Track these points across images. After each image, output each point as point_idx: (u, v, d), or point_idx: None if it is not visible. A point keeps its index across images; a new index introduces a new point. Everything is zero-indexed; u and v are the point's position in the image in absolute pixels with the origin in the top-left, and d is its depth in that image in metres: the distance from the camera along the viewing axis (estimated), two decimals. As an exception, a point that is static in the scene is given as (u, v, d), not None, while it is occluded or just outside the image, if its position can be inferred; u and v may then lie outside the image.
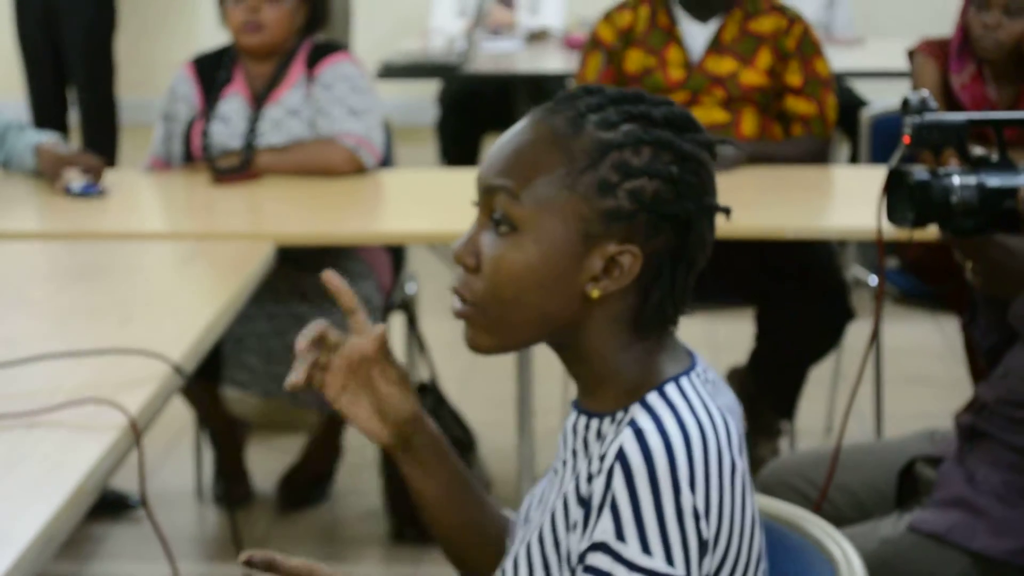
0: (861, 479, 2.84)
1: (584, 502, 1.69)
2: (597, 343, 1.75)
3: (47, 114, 7.13)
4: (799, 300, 4.34)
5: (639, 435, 1.66)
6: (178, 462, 4.73)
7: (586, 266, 1.71)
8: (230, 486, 4.54)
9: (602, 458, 1.68)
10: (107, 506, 4.30)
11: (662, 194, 1.70)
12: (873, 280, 4.53)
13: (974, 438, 2.64)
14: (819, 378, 4.72)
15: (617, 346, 1.75)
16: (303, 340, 1.91)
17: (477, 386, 5.25)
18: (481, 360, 5.62)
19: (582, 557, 1.67)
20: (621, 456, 1.65)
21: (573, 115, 1.72)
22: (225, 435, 4.53)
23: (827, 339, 4.44)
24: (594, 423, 1.77)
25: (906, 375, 5.31)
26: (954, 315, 4.64)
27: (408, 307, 4.65)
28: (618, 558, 1.63)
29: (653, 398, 1.71)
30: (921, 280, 4.54)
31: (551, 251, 1.70)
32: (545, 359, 4.10)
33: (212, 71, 4.51)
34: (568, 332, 1.75)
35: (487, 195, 1.75)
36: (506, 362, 4.18)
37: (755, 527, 1.74)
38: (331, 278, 1.94)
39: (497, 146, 1.77)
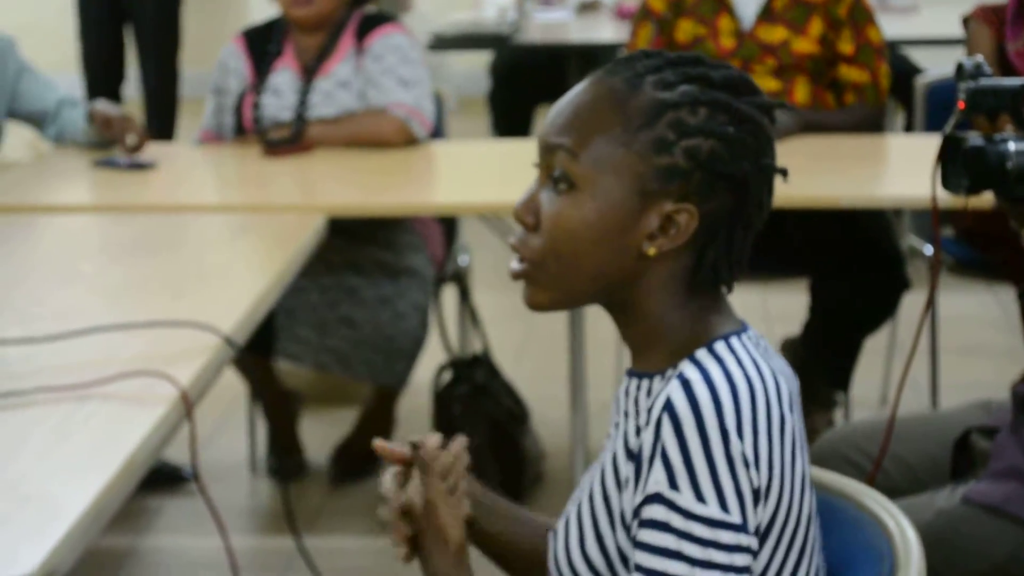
0: (915, 450, 2.83)
1: (633, 456, 1.71)
2: (651, 302, 1.76)
3: (103, 86, 7.16)
4: (853, 270, 4.32)
5: (686, 385, 1.67)
6: (231, 435, 4.75)
7: (643, 224, 1.72)
8: (283, 459, 4.56)
9: (649, 411, 1.69)
10: (161, 479, 4.32)
11: (718, 153, 1.71)
12: (928, 249, 4.51)
13: (1031, 408, 2.63)
14: (874, 348, 4.70)
15: (671, 305, 1.76)
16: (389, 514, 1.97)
17: (530, 359, 5.25)
18: (534, 333, 5.63)
19: (637, 512, 1.68)
20: (668, 406, 1.66)
21: (631, 76, 1.74)
22: (278, 408, 4.55)
23: (882, 310, 4.42)
24: (644, 383, 1.78)
25: (962, 345, 5.29)
26: (1010, 284, 4.61)
27: (461, 279, 4.66)
28: (673, 507, 1.65)
29: (702, 354, 1.72)
30: (977, 249, 4.51)
31: (609, 208, 1.72)
32: (598, 332, 4.11)
33: (262, 44, 4.52)
34: (623, 290, 1.77)
35: (547, 153, 1.77)
36: (559, 335, 4.19)
37: (805, 485, 1.74)
38: (383, 448, 2.01)
39: (557, 106, 1.79)
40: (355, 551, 4.09)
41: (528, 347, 5.38)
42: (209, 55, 8.57)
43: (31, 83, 4.44)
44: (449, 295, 4.70)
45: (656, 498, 1.65)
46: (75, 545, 2.00)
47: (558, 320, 4.37)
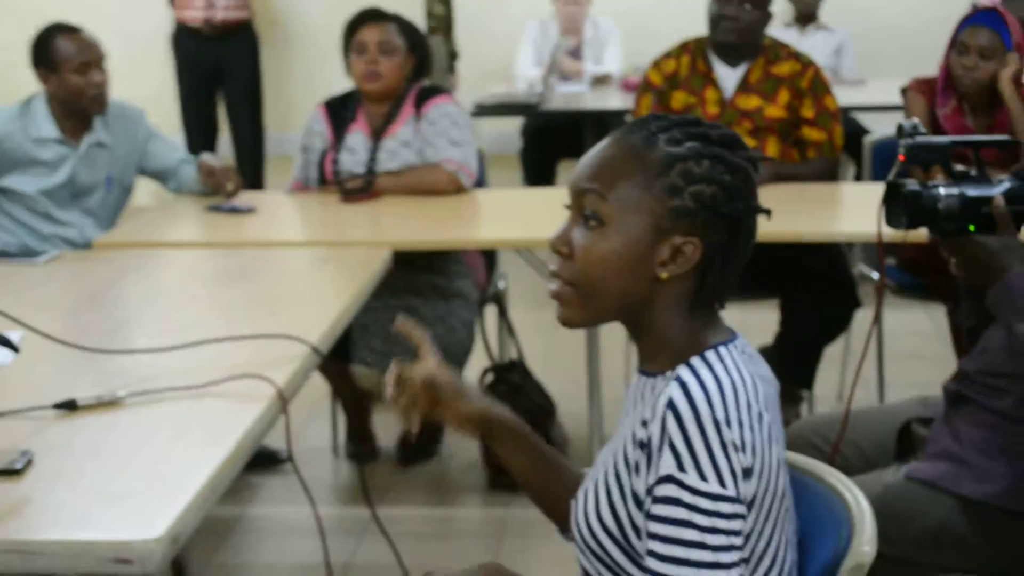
0: (866, 437, 2.82)
1: (642, 445, 1.71)
2: (660, 317, 1.77)
3: (200, 144, 7.26)
4: (816, 292, 4.32)
5: (683, 386, 1.69)
6: (318, 425, 4.75)
7: (657, 253, 1.74)
8: (359, 445, 4.56)
9: (654, 407, 1.70)
10: (261, 461, 4.33)
11: (718, 197, 1.73)
12: (875, 275, 4.50)
13: (958, 402, 2.61)
14: (832, 355, 4.68)
15: (676, 319, 1.77)
16: (390, 390, 2.16)
17: (556, 363, 5.23)
18: (559, 343, 5.63)
19: (650, 490, 1.69)
20: (671, 404, 1.67)
21: (647, 134, 1.76)
22: (354, 404, 4.54)
23: (838, 324, 4.41)
24: (649, 381, 1.80)
25: (902, 352, 5.25)
26: (941, 303, 4.59)
27: (499, 300, 4.65)
28: (682, 485, 1.65)
29: (696, 360, 1.74)
30: (914, 275, 4.50)
31: (631, 240, 1.73)
32: (610, 342, 4.11)
33: (340, 111, 4.53)
34: (640, 307, 1.77)
35: (579, 197, 1.78)
36: (579, 344, 4.18)
37: (780, 468, 1.75)
38: (406, 324, 2.18)
39: (586, 158, 1.80)
40: (417, 519, 4.08)
41: (554, 354, 5.36)
42: (286, 121, 8.69)
43: (157, 146, 4.46)
44: (490, 313, 4.70)
45: (667, 479, 1.66)
46: (196, 514, 2.01)
47: (578, 333, 4.36)
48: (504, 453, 2.07)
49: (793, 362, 4.45)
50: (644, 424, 1.71)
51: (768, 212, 1.80)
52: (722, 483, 1.65)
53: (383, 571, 3.58)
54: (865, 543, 1.80)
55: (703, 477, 1.65)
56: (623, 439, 1.79)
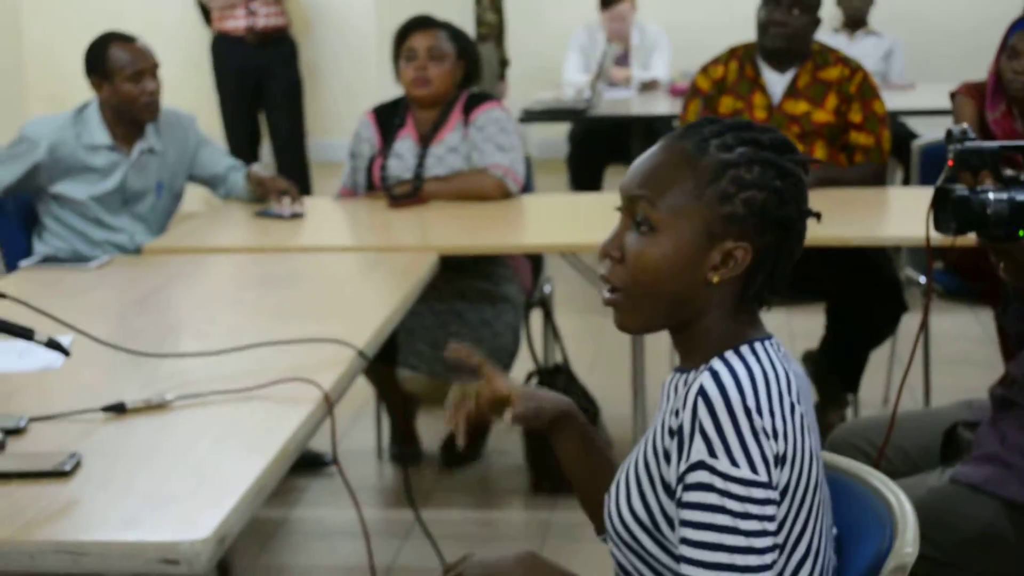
0: (912, 440, 2.80)
1: (673, 433, 1.71)
2: (707, 318, 1.77)
3: (243, 152, 7.33)
4: (862, 296, 4.30)
5: (714, 375, 1.69)
6: (362, 428, 4.76)
7: (708, 258, 1.74)
8: (403, 448, 4.57)
9: (687, 396, 1.70)
10: (307, 463, 4.35)
11: (769, 202, 1.73)
12: (922, 279, 4.47)
13: (1005, 406, 2.60)
14: (878, 360, 4.67)
15: (720, 320, 1.77)
16: (450, 410, 2.18)
17: (601, 368, 5.24)
18: (603, 347, 5.62)
19: (682, 478, 1.69)
20: (701, 391, 1.67)
21: (699, 140, 1.75)
22: (399, 407, 4.55)
23: (885, 328, 4.39)
24: (683, 376, 1.80)
25: (949, 357, 5.23)
26: (989, 307, 4.57)
27: (545, 304, 4.66)
28: (713, 471, 1.65)
29: (729, 353, 1.74)
30: (962, 279, 4.47)
31: (682, 246, 1.73)
32: (654, 346, 4.11)
33: (388, 118, 4.55)
34: (691, 312, 1.77)
35: (630, 203, 1.78)
36: (623, 349, 4.18)
37: (814, 459, 1.74)
38: (459, 349, 2.15)
39: (638, 163, 1.80)
40: (461, 521, 4.09)
41: (598, 359, 5.37)
42: (323, 127, 8.74)
43: (207, 152, 4.49)
44: (536, 317, 4.70)
45: (699, 465, 1.66)
46: (242, 515, 2.02)
47: (623, 338, 4.36)
48: (560, 442, 2.09)
49: (839, 366, 4.44)
50: (676, 414, 1.71)
51: (818, 216, 1.80)
52: (754, 469, 1.65)
53: (427, 573, 3.60)
54: (908, 544, 1.79)
55: (734, 463, 1.64)
56: (654, 430, 1.80)
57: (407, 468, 4.44)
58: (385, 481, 4.47)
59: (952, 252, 4.19)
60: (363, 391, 4.59)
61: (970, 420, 2.76)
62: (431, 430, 4.68)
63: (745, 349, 1.74)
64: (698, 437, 1.66)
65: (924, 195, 2.65)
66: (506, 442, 4.60)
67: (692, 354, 1.80)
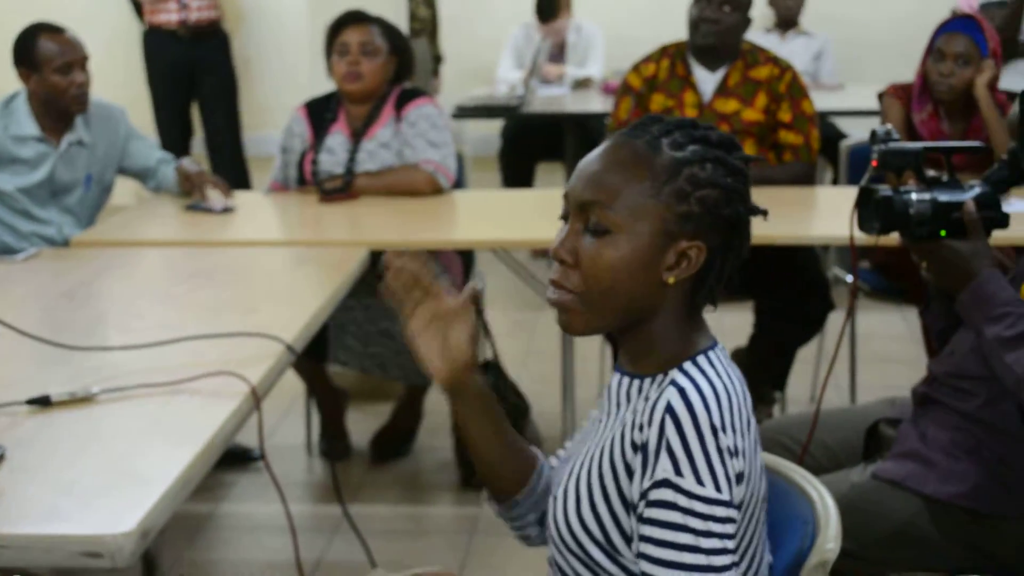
0: (836, 437, 2.83)
1: (638, 448, 1.70)
2: (659, 321, 1.76)
3: (175, 146, 7.30)
4: (790, 294, 4.33)
5: (681, 392, 1.68)
6: (291, 423, 4.75)
7: (664, 259, 1.73)
8: (332, 443, 4.56)
9: (652, 412, 1.68)
10: (235, 458, 4.34)
11: (721, 200, 1.73)
12: (849, 278, 4.52)
13: (926, 404, 2.63)
14: (805, 357, 4.71)
15: (671, 323, 1.76)
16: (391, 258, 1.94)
17: (530, 364, 5.26)
18: (533, 344, 5.61)
19: (644, 494, 1.68)
20: (669, 409, 1.67)
21: (650, 138, 1.74)
22: (329, 402, 4.55)
23: (812, 326, 4.42)
24: (635, 382, 1.79)
25: (875, 355, 5.28)
26: (914, 306, 4.62)
27: (476, 300, 4.65)
28: (678, 489, 1.65)
29: (688, 365, 1.73)
30: (887, 278, 4.52)
31: (639, 248, 1.72)
32: (584, 343, 4.12)
33: (320, 112, 4.53)
34: (643, 314, 1.76)
35: (581, 208, 1.75)
36: (553, 345, 4.19)
37: (763, 473, 1.76)
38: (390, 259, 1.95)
39: (585, 167, 1.77)
40: (390, 517, 4.08)
41: (529, 355, 5.38)
42: (256, 121, 8.70)
43: (137, 145, 4.46)
44: (466, 314, 4.70)
45: (664, 483, 1.65)
46: (166, 509, 2.01)
47: (553, 334, 4.38)
48: (462, 414, 1.93)
49: (766, 364, 4.47)
50: (640, 428, 1.70)
51: (765, 212, 1.79)
52: (718, 488, 1.65)
53: (354, 568, 3.59)
54: (830, 540, 1.81)
55: (700, 482, 1.64)
56: (610, 440, 1.77)
57: (336, 463, 4.44)
58: (314, 476, 4.46)
59: (878, 252, 4.24)
60: (294, 387, 4.58)
61: (893, 417, 2.79)
62: (361, 426, 4.68)
63: (702, 360, 1.74)
64: (664, 455, 1.66)
65: (852, 194, 2.68)
66: (435, 438, 4.60)
67: (640, 357, 1.79)
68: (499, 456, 1.96)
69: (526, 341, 5.59)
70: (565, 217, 1.78)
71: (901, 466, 2.57)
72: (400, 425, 4.56)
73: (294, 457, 4.54)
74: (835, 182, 6.23)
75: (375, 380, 4.68)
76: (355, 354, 4.18)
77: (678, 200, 1.71)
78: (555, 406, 4.30)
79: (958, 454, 2.52)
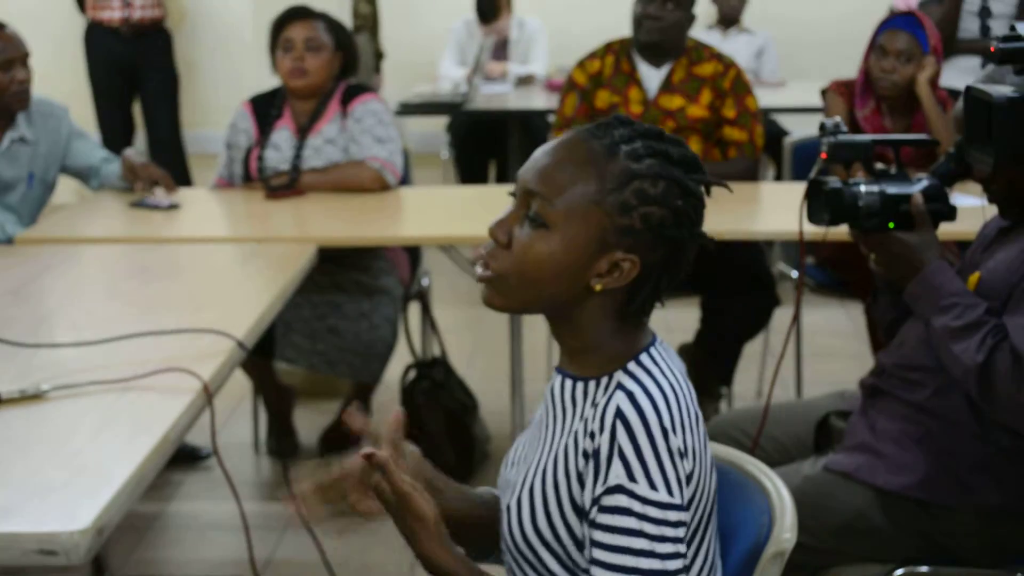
0: (786, 430, 2.85)
1: (588, 456, 1.69)
2: (587, 322, 1.74)
3: (117, 144, 7.24)
4: (736, 290, 4.36)
5: (630, 397, 1.67)
6: (240, 422, 4.73)
7: (595, 265, 1.70)
8: (280, 441, 4.55)
9: (603, 418, 1.67)
10: (183, 457, 4.31)
11: (666, 220, 1.69)
12: (794, 274, 4.55)
13: (875, 396, 2.65)
14: (751, 353, 4.74)
15: (603, 326, 1.74)
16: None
17: (478, 361, 5.26)
18: (481, 340, 5.62)
19: (597, 500, 1.67)
20: (620, 415, 1.66)
21: (609, 143, 1.70)
22: (276, 400, 4.54)
23: (758, 321, 4.45)
24: (579, 385, 1.76)
25: (819, 350, 5.32)
26: (859, 302, 4.66)
27: (423, 297, 4.66)
28: (632, 495, 1.64)
29: (633, 366, 1.72)
30: (833, 272, 4.55)
31: (572, 249, 1.69)
32: (532, 341, 4.13)
33: (265, 108, 4.51)
34: (566, 310, 1.74)
35: (526, 194, 1.73)
36: (501, 342, 4.19)
37: (712, 469, 1.75)
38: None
39: (539, 155, 1.74)
40: (339, 513, 4.07)
41: (477, 352, 5.38)
42: (198, 119, 8.66)
43: (81, 144, 4.42)
44: (413, 310, 4.70)
45: (617, 489, 1.65)
46: (122, 505, 2.00)
47: (501, 330, 4.37)
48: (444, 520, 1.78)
49: (713, 359, 4.49)
50: (591, 436, 1.69)
51: (712, 242, 1.76)
52: (670, 492, 1.65)
53: (304, 566, 3.58)
54: (786, 530, 1.82)
55: (653, 486, 1.64)
56: (563, 449, 1.75)
57: (286, 460, 4.42)
58: (262, 475, 4.44)
59: (823, 246, 4.26)
60: (240, 385, 4.56)
61: (843, 410, 2.82)
62: (309, 422, 4.66)
63: (645, 359, 1.73)
64: (616, 461, 1.65)
65: (796, 190, 2.70)
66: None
67: (578, 357, 1.77)
68: (471, 520, 1.93)
69: (473, 337, 5.60)
70: (515, 194, 1.76)
71: (852, 458, 2.59)
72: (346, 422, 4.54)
73: (242, 455, 4.52)
74: (778, 178, 6.27)
75: (322, 377, 4.67)
76: (302, 351, 4.16)
77: (620, 212, 1.68)
78: (503, 403, 4.30)
79: (908, 445, 2.54)
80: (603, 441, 1.67)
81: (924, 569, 2.55)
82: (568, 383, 1.78)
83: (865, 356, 4.82)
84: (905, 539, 2.54)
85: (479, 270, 1.76)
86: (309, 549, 3.15)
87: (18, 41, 4.15)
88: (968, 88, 2.45)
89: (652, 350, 1.75)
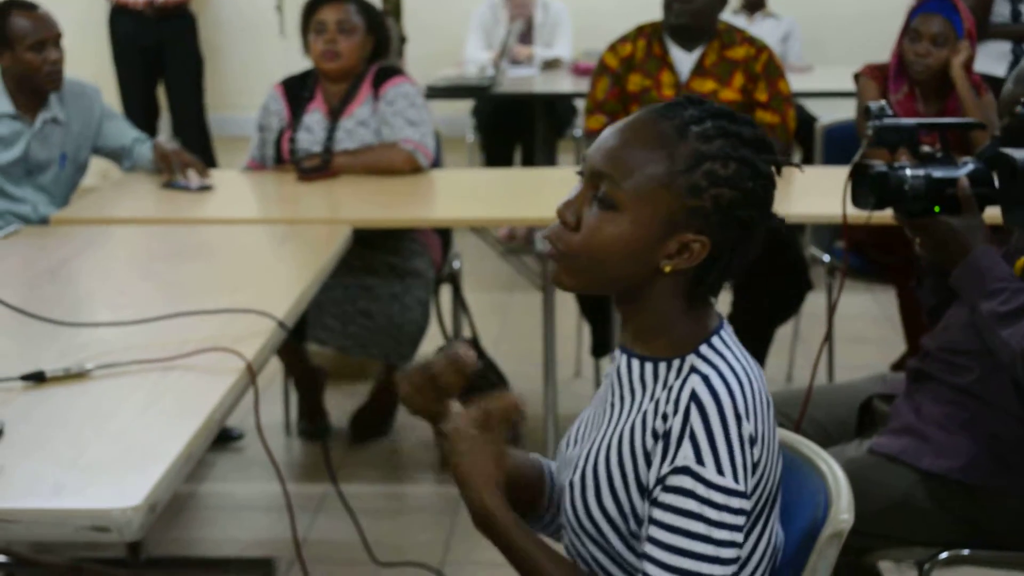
0: (826, 413, 2.83)
1: (658, 436, 1.68)
2: (656, 302, 1.72)
3: (141, 126, 7.24)
4: (768, 274, 4.34)
5: (705, 380, 1.66)
6: (270, 403, 4.72)
7: (665, 247, 1.68)
8: (311, 423, 4.55)
9: (677, 401, 1.67)
10: (216, 438, 4.30)
11: (737, 202, 1.67)
12: (826, 258, 4.53)
13: (920, 379, 2.64)
14: (782, 338, 4.72)
15: (672, 307, 1.73)
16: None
17: (507, 343, 5.25)
18: (510, 322, 5.60)
19: (662, 479, 1.66)
20: (695, 397, 1.65)
21: (679, 123, 1.67)
22: (308, 381, 4.53)
23: (791, 305, 4.45)
24: (648, 366, 1.75)
25: (846, 335, 5.30)
26: (888, 286, 4.64)
27: (455, 279, 4.65)
28: (698, 478, 1.63)
29: (706, 349, 1.71)
30: (867, 257, 4.53)
31: (641, 231, 1.67)
32: (562, 322, 4.11)
33: (297, 91, 4.51)
34: (635, 290, 1.73)
35: (594, 175, 1.71)
36: (532, 324, 4.19)
37: (779, 455, 1.74)
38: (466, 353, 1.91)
39: (610, 136, 1.71)
40: (370, 495, 4.07)
41: (505, 334, 5.37)
42: (222, 102, 8.66)
43: (113, 125, 4.42)
44: (445, 292, 4.70)
45: (683, 470, 1.64)
46: (171, 482, 1.99)
47: (528, 314, 4.37)
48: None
49: (745, 343, 4.43)
50: (664, 418, 1.68)
51: (783, 221, 1.74)
52: (736, 478, 1.64)
53: (337, 546, 3.59)
54: (843, 511, 1.81)
55: (720, 471, 1.63)
56: (630, 427, 1.73)
57: (324, 442, 4.42)
58: (293, 456, 4.43)
59: (856, 231, 4.25)
60: (272, 366, 4.54)
61: (885, 393, 2.80)
62: (340, 405, 4.66)
63: (718, 343, 1.71)
64: (687, 442, 1.64)
65: (829, 174, 2.69)
66: (415, 417, 4.57)
67: (646, 337, 1.75)
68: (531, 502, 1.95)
69: (503, 320, 5.59)
70: (583, 174, 1.74)
71: (897, 441, 2.58)
72: (379, 404, 4.54)
73: (273, 437, 4.50)
74: (807, 163, 6.24)
75: (353, 359, 4.66)
76: (334, 333, 4.16)
77: (690, 193, 1.66)
78: (535, 385, 4.29)
79: (953, 428, 2.53)
80: (675, 423, 1.66)
81: (968, 552, 2.54)
82: (636, 363, 1.77)
83: (892, 341, 4.80)
84: (949, 522, 2.53)
85: (546, 248, 1.74)
86: (338, 530, 3.16)
87: (50, 21, 4.15)
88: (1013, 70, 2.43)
89: (723, 333, 1.74)
